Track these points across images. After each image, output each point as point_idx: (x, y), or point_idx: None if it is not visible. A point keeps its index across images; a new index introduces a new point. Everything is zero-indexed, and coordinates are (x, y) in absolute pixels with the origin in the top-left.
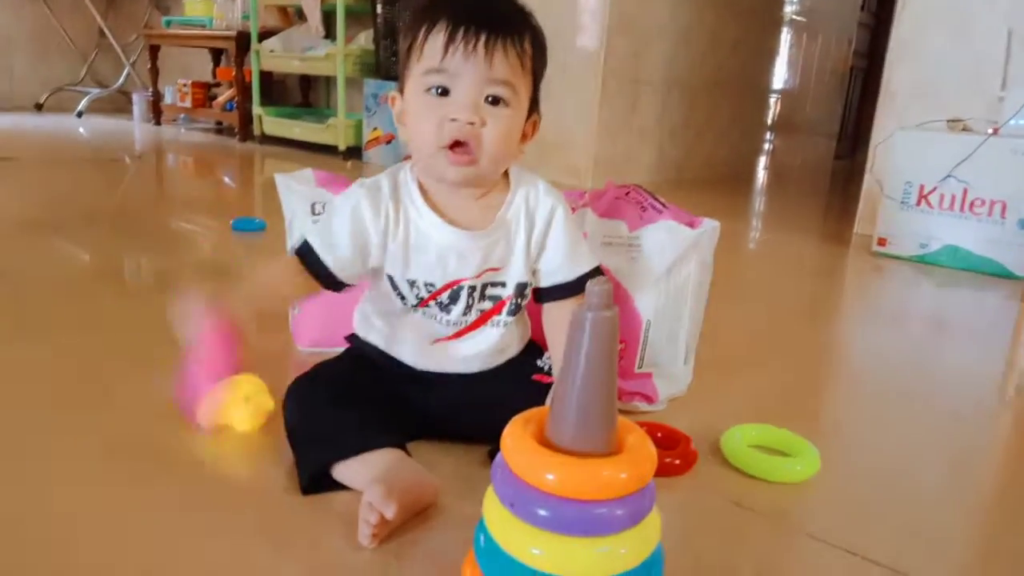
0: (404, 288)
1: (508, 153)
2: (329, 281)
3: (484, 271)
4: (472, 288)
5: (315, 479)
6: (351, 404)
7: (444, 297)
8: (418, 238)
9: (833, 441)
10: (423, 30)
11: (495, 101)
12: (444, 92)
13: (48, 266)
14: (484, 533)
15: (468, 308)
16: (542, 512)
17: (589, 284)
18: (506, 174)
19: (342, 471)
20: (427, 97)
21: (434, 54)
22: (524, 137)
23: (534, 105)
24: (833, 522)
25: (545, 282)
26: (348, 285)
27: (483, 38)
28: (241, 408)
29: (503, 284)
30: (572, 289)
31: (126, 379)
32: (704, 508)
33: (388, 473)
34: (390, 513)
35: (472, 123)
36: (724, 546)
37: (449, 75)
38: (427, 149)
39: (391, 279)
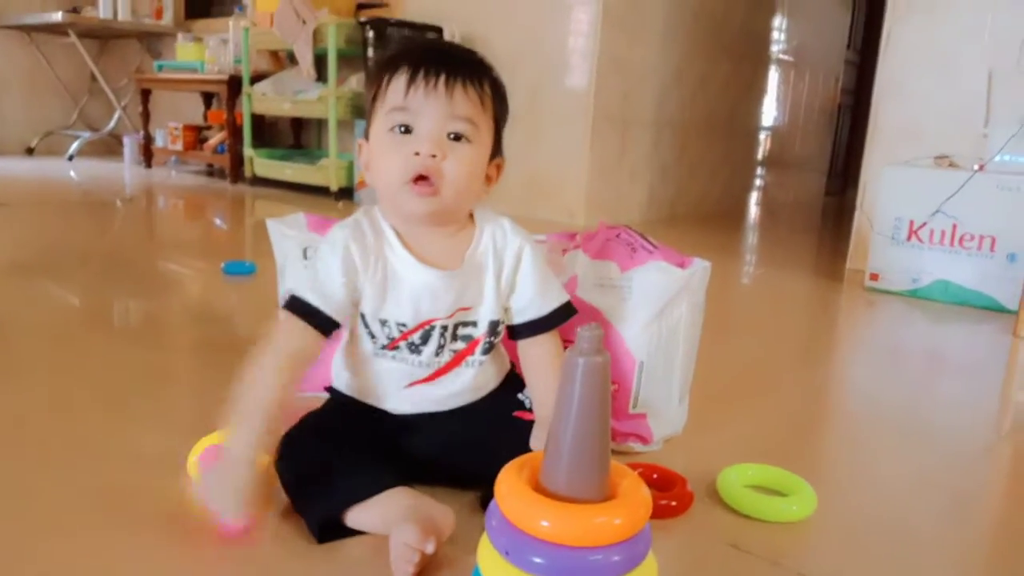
0: (375, 327)
1: (471, 189)
2: (327, 326)
3: (456, 311)
4: (444, 328)
5: (326, 527)
6: (350, 451)
7: (416, 337)
8: (393, 278)
9: (829, 480)
10: (385, 77)
11: (457, 137)
12: (407, 130)
13: (39, 311)
14: None
15: (440, 348)
16: (537, 560)
17: (580, 330)
18: (471, 218)
19: (358, 516)
20: (391, 136)
21: (397, 94)
22: (489, 180)
23: (497, 149)
24: (831, 563)
25: (517, 319)
26: (339, 327)
27: (443, 76)
28: None
29: (474, 324)
30: (545, 325)
31: (114, 426)
32: (700, 550)
33: (411, 512)
34: (431, 549)
35: (434, 156)
36: None
37: (412, 113)
38: (393, 186)
39: (363, 317)
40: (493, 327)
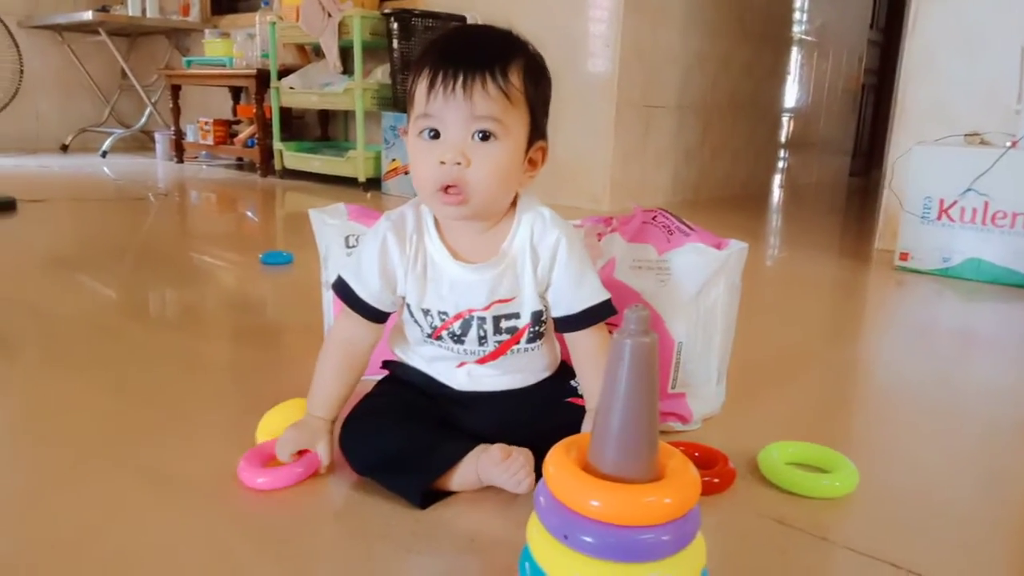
0: (419, 316)
1: (503, 187)
2: (367, 311)
3: (493, 303)
4: (482, 319)
5: (425, 495)
6: (423, 425)
7: (456, 327)
8: (432, 269)
9: (867, 456)
10: (413, 79)
11: (485, 136)
12: (436, 135)
13: (83, 302)
14: (529, 561)
15: (482, 339)
16: (587, 539)
17: (627, 310)
18: (514, 206)
19: (454, 477)
20: (421, 141)
21: (421, 100)
22: (533, 164)
23: (537, 133)
24: (876, 537)
25: (555, 313)
26: (389, 313)
27: (461, 79)
28: None
29: (517, 315)
30: (580, 321)
31: (168, 411)
32: (745, 526)
33: (492, 450)
34: (524, 454)
35: (459, 163)
36: (769, 564)
37: (436, 119)
38: (425, 191)
39: (408, 307)
40: (537, 317)
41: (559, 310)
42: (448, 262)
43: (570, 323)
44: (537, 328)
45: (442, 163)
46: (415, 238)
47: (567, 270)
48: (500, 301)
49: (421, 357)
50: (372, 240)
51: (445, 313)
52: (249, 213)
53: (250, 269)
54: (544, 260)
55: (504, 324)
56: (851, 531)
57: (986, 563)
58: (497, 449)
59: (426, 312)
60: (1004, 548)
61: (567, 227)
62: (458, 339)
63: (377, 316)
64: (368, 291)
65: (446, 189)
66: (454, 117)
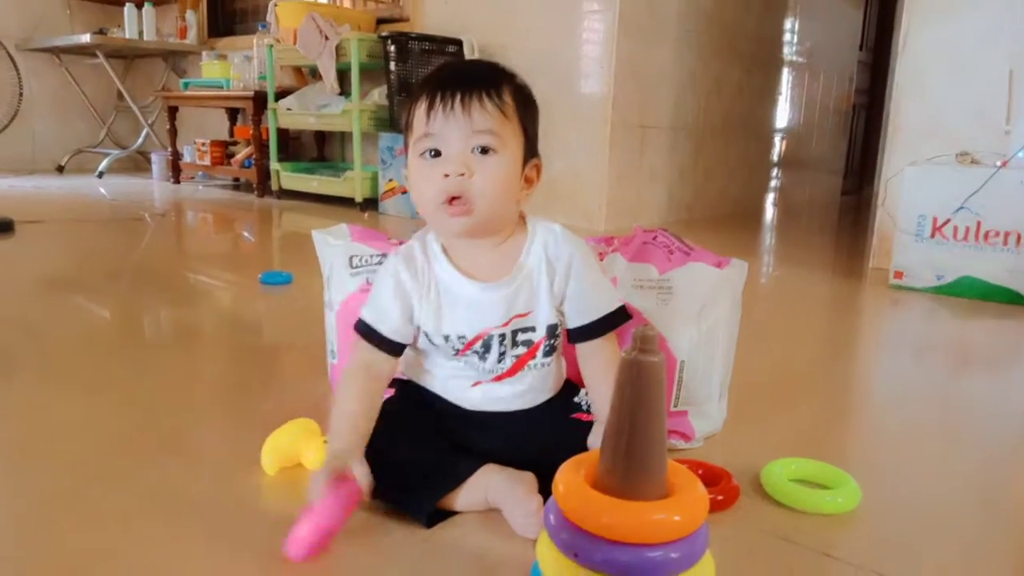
0: (439, 341)
1: (506, 197)
2: (390, 347)
3: (511, 318)
4: (502, 336)
5: (433, 513)
6: (431, 443)
7: (478, 347)
8: (446, 295)
9: (867, 473)
10: (411, 108)
11: (484, 151)
12: (436, 154)
13: (80, 323)
14: None
15: (501, 355)
16: (597, 557)
17: (635, 330)
18: (524, 223)
19: (460, 497)
20: (422, 161)
21: (421, 122)
22: (529, 182)
23: (531, 150)
24: (880, 554)
25: (571, 324)
26: (407, 345)
27: (459, 96)
28: (321, 448)
29: (533, 329)
30: (597, 329)
31: (175, 430)
32: (751, 543)
33: (506, 479)
34: (538, 500)
35: (462, 174)
36: None
37: (437, 137)
38: (429, 208)
39: (427, 335)
40: (552, 331)
41: (577, 320)
42: (462, 284)
43: (587, 332)
44: (552, 342)
45: (446, 176)
46: (426, 268)
47: (583, 281)
48: (518, 316)
49: (435, 377)
50: (385, 277)
51: (464, 336)
52: (246, 233)
53: (250, 289)
54: (560, 273)
55: (520, 337)
56: (856, 548)
57: None
58: (526, 490)
59: (446, 338)
60: (1006, 565)
61: (579, 240)
62: (482, 356)
63: (398, 350)
64: (390, 327)
65: (451, 201)
66: (455, 134)
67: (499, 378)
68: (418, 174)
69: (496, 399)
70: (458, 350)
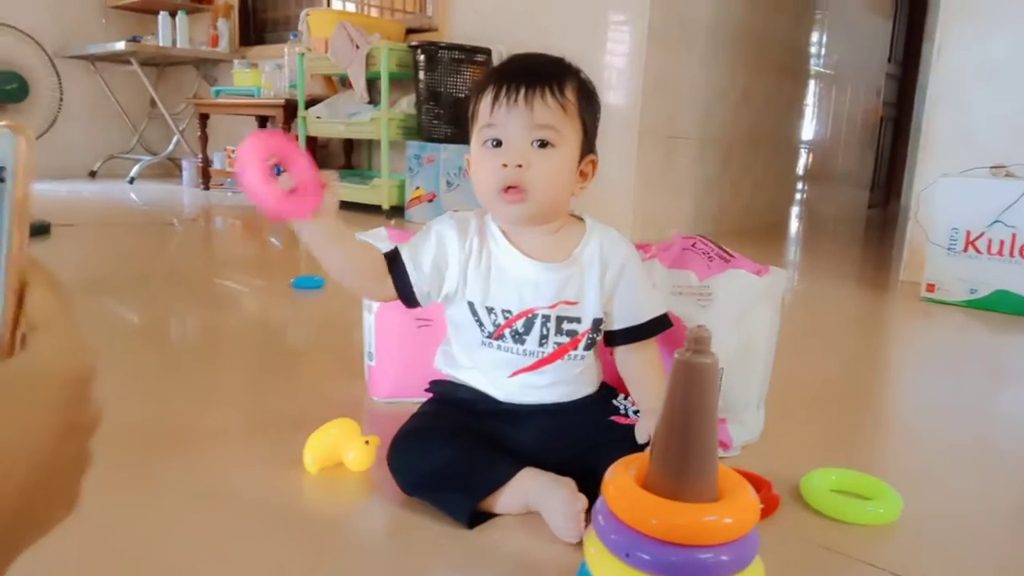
0: (483, 314)
1: (561, 189)
2: (406, 292)
3: (559, 303)
4: (546, 318)
5: (474, 514)
6: (470, 444)
7: (519, 325)
8: (498, 269)
9: (905, 484)
10: (476, 98)
11: (543, 144)
12: (498, 143)
13: (115, 326)
14: None
15: (543, 339)
16: (646, 557)
17: (690, 331)
18: (581, 219)
19: (501, 500)
20: (484, 150)
21: (485, 113)
22: (584, 176)
23: (588, 147)
24: (923, 564)
25: (616, 325)
26: (418, 304)
27: (523, 91)
28: (362, 448)
29: (579, 320)
30: (641, 333)
31: (217, 430)
32: (792, 552)
33: (549, 483)
34: (583, 501)
35: (520, 165)
36: None
37: (499, 128)
38: (487, 195)
39: (471, 305)
40: (597, 324)
41: (622, 322)
42: (519, 261)
43: (632, 334)
44: (594, 335)
45: (504, 166)
46: (476, 239)
47: (633, 283)
48: (566, 303)
49: (473, 369)
50: (432, 230)
51: (509, 311)
52: (274, 240)
53: (282, 294)
54: (612, 272)
55: (566, 326)
56: (898, 558)
57: None
58: (569, 492)
59: (490, 310)
60: None
61: (632, 247)
62: (519, 338)
63: (408, 299)
64: (417, 272)
65: (507, 190)
66: (515, 126)
67: (538, 364)
68: (479, 162)
69: (533, 388)
70: (498, 326)
